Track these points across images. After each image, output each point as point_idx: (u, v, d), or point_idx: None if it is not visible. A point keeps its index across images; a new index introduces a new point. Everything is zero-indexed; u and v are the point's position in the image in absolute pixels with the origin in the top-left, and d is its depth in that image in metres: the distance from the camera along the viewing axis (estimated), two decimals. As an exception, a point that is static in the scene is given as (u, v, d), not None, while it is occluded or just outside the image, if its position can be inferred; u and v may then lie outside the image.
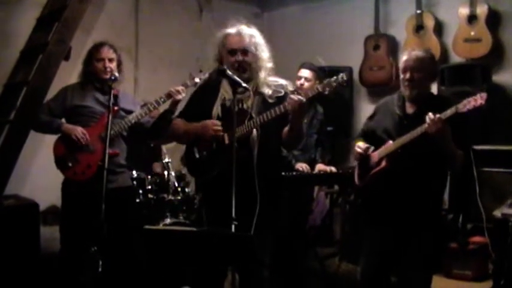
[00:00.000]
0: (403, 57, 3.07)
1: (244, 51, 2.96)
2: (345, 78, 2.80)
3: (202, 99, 3.13)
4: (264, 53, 3.00)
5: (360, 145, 3.19)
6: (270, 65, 3.02)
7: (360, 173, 3.26)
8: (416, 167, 2.99)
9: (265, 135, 2.94)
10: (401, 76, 3.07)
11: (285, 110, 2.82)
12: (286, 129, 2.96)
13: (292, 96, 2.79)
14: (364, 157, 3.17)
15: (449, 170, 3.12)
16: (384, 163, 3.06)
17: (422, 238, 3.05)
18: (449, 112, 2.79)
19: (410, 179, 3.01)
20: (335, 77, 2.80)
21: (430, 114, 2.82)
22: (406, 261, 3.11)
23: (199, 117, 3.04)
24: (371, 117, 3.35)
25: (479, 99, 2.75)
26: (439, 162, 2.98)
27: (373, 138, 3.22)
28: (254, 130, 2.91)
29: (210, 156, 2.99)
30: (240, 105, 2.97)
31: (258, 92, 2.99)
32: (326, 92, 2.80)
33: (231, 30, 3.01)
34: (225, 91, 3.00)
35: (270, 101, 2.97)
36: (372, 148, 3.17)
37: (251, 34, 3.00)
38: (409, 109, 3.10)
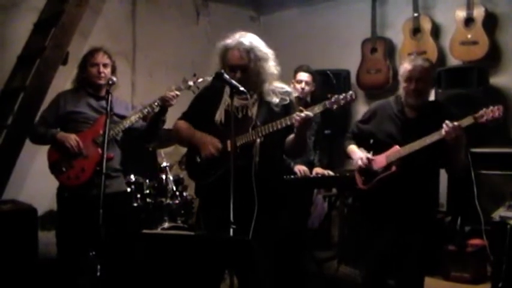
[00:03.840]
0: (408, 67, 3.11)
1: (244, 69, 2.86)
2: (353, 96, 2.80)
3: (206, 103, 3.08)
4: (267, 63, 2.90)
5: (361, 156, 3.24)
6: (275, 72, 2.94)
7: (364, 178, 3.29)
8: (419, 170, 3.07)
9: (268, 144, 2.90)
10: (405, 85, 3.12)
11: (291, 123, 2.80)
12: (289, 138, 2.95)
13: (299, 114, 2.75)
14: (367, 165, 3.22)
15: (451, 172, 3.23)
16: (393, 168, 3.12)
17: (415, 239, 3.11)
18: (465, 121, 2.89)
19: (412, 182, 3.09)
20: (344, 94, 2.80)
21: (448, 121, 2.89)
22: (402, 262, 3.16)
23: (202, 121, 3.03)
24: (365, 121, 3.38)
25: (496, 111, 2.85)
26: (434, 165, 3.09)
27: (363, 140, 3.30)
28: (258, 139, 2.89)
29: (210, 161, 2.97)
30: (245, 111, 2.95)
31: (263, 101, 2.95)
32: (334, 109, 2.81)
33: (230, 42, 2.87)
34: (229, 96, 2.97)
35: (276, 109, 2.93)
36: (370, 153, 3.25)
37: (250, 48, 2.85)
38: (409, 114, 3.18)
